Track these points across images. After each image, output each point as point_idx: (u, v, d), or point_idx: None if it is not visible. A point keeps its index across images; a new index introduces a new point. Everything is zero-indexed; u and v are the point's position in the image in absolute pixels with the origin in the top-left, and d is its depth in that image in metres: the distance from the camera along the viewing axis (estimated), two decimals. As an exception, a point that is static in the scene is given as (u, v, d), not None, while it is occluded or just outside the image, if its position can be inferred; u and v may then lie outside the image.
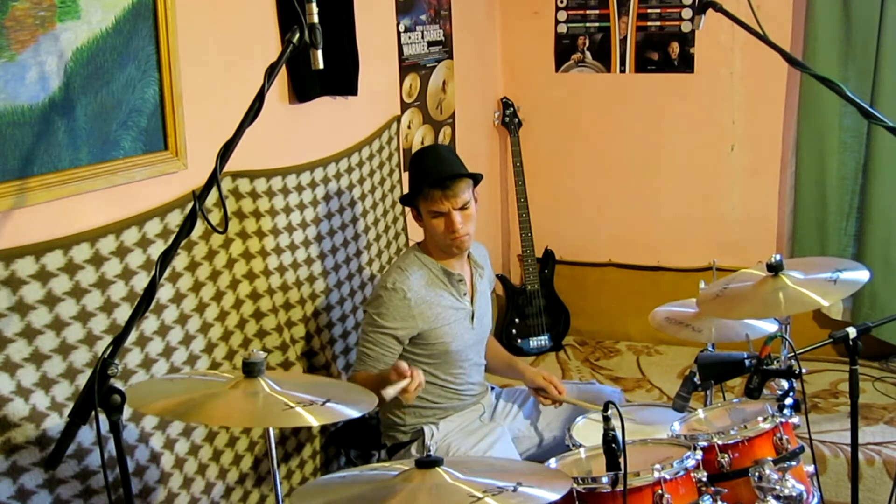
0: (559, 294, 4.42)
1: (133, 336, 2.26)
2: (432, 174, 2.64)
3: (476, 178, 2.71)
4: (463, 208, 2.64)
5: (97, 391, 1.63)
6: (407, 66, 3.70)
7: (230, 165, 2.07)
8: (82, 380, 2.13)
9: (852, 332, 2.21)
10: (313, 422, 1.77)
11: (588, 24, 4.37)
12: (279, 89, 2.92)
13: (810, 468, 2.29)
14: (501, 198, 4.65)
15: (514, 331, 4.30)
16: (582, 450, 2.25)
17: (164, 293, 2.43)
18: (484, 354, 2.93)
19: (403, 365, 2.37)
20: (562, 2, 4.41)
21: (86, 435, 2.08)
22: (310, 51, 1.88)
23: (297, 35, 1.85)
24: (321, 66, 1.90)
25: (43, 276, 2.08)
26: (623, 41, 4.32)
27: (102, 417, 1.64)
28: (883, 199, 3.86)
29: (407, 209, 3.66)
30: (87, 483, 2.11)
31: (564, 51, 4.45)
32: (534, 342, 4.30)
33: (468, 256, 2.83)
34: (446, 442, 2.67)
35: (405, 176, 3.68)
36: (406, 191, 3.65)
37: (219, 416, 1.83)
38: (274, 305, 2.80)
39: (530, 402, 2.92)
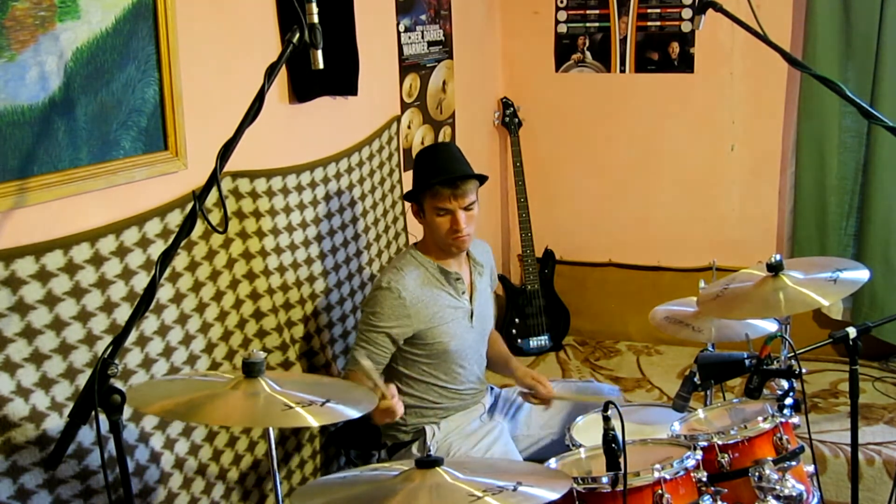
0: (559, 294, 4.42)
1: (133, 336, 2.26)
2: (443, 172, 2.65)
3: (483, 180, 2.74)
4: (468, 208, 2.66)
5: (97, 391, 1.63)
6: (407, 66, 3.70)
7: (230, 165, 2.07)
8: (82, 380, 2.13)
9: (852, 332, 2.21)
10: (313, 422, 1.77)
11: (588, 24, 4.37)
12: (279, 89, 2.92)
13: (810, 468, 2.29)
14: (501, 198, 4.65)
15: (514, 331, 4.30)
16: (582, 450, 2.25)
17: (164, 293, 2.43)
18: (485, 352, 2.93)
19: (393, 389, 2.40)
20: (562, 2, 4.40)
21: (86, 435, 2.08)
22: (310, 51, 1.88)
23: (297, 35, 1.85)
24: (321, 66, 1.91)
25: (43, 276, 2.08)
26: (623, 41, 4.32)
27: (102, 417, 1.64)
28: (883, 199, 3.86)
29: (407, 206, 3.67)
30: (87, 483, 2.11)
31: (564, 51, 4.45)
32: (534, 342, 4.30)
33: (467, 255, 2.83)
34: (447, 442, 2.67)
35: (405, 176, 3.68)
36: (405, 191, 3.66)
37: (219, 416, 1.83)
38: (274, 305, 2.80)
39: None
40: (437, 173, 2.65)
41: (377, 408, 2.32)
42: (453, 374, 2.77)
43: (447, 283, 2.74)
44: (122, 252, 2.29)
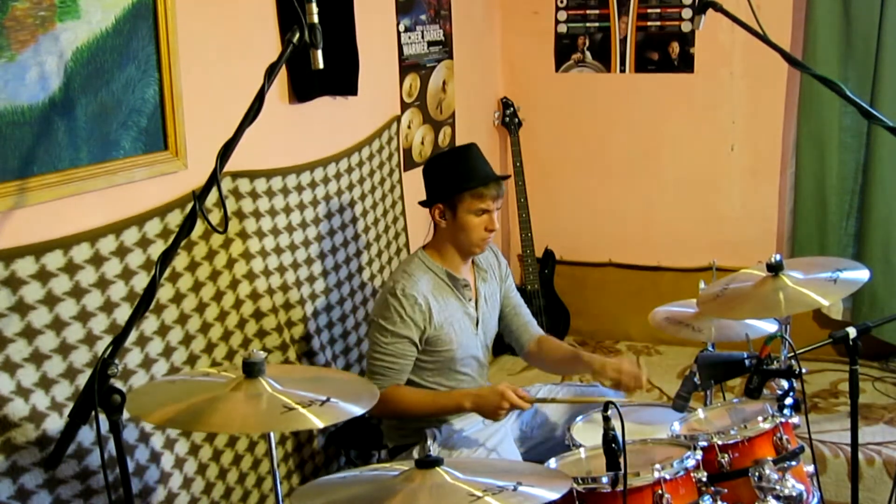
0: (559, 294, 4.42)
1: (133, 336, 2.26)
2: (481, 173, 2.67)
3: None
4: (499, 208, 2.70)
5: (97, 391, 1.63)
6: (407, 66, 3.70)
7: (230, 165, 2.07)
8: (82, 380, 2.13)
9: (852, 332, 2.21)
10: (317, 423, 1.74)
11: (588, 24, 4.37)
12: (279, 89, 2.92)
13: (810, 468, 2.29)
14: (501, 198, 4.65)
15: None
16: (582, 450, 2.25)
17: (164, 293, 2.43)
18: (488, 360, 2.91)
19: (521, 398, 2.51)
20: (562, 2, 4.40)
21: (86, 435, 2.08)
22: (310, 51, 1.88)
23: (297, 35, 1.84)
24: (321, 66, 1.90)
25: (43, 276, 2.08)
26: (623, 41, 4.32)
27: (102, 417, 1.64)
28: (883, 199, 3.86)
29: (408, 206, 3.67)
30: (87, 483, 2.11)
31: (564, 51, 4.45)
32: (534, 342, 4.29)
33: (472, 261, 2.82)
34: (449, 444, 2.66)
35: (405, 176, 3.68)
36: (406, 191, 3.66)
37: (220, 423, 1.79)
38: (274, 305, 2.80)
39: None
40: (476, 174, 2.65)
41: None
42: (456, 381, 2.75)
43: (455, 289, 2.72)
44: (122, 252, 2.29)
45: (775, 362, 2.26)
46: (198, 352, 2.54)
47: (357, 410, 1.81)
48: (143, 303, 1.72)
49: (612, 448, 1.95)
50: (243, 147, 1.83)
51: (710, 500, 2.04)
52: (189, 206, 2.13)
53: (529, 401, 2.53)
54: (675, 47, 4.24)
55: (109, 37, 2.22)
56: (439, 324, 2.65)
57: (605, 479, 1.96)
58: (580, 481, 1.98)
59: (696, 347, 3.17)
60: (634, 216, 4.46)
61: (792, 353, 2.25)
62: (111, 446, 2.05)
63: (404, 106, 3.70)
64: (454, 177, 2.68)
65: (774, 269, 2.41)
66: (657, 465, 1.98)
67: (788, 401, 2.28)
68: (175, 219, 2.45)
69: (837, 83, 2.26)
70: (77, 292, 2.16)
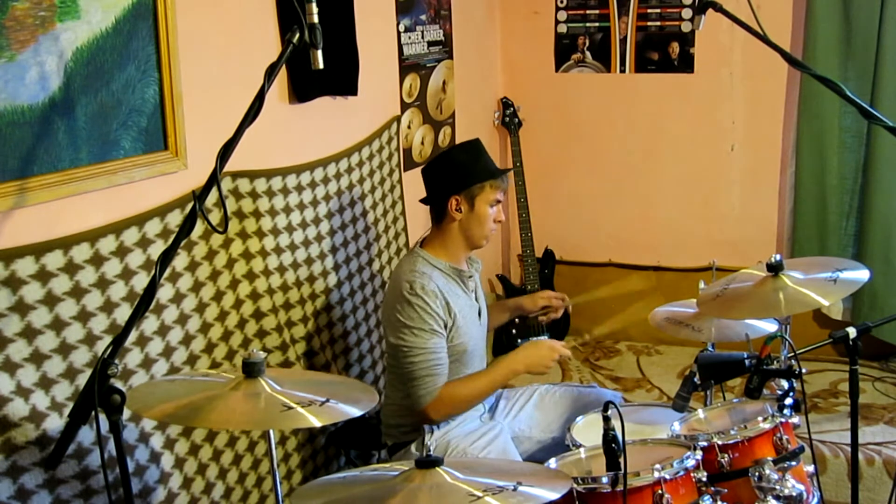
0: (559, 294, 4.41)
1: (133, 336, 2.26)
2: (492, 165, 2.74)
3: None
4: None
5: (97, 391, 1.63)
6: (407, 66, 3.70)
7: (230, 165, 2.07)
8: (82, 380, 2.13)
9: (852, 332, 2.21)
10: (315, 422, 1.76)
11: (588, 24, 4.37)
12: (279, 89, 2.92)
13: (810, 468, 2.29)
14: (501, 198, 4.65)
15: (513, 330, 4.29)
16: (582, 450, 2.25)
17: (164, 293, 2.43)
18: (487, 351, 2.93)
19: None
20: (562, 2, 4.41)
21: (86, 435, 2.08)
22: (310, 51, 1.88)
23: (297, 35, 1.85)
24: (321, 66, 1.91)
25: (43, 276, 2.08)
26: (623, 41, 4.32)
27: (102, 417, 1.64)
28: (883, 199, 3.86)
29: (408, 204, 3.67)
30: (87, 483, 2.11)
31: (564, 51, 4.45)
32: (534, 342, 4.28)
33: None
34: (445, 440, 2.66)
35: (405, 176, 3.68)
36: (405, 191, 3.66)
37: (219, 419, 1.80)
38: (274, 305, 2.80)
39: (531, 402, 2.91)
40: (492, 166, 2.73)
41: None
42: (458, 375, 2.75)
43: (461, 282, 2.73)
44: (122, 252, 2.29)
45: (775, 362, 2.25)
46: (198, 352, 2.54)
47: (355, 412, 1.82)
48: (143, 303, 1.72)
49: (612, 448, 1.95)
50: (243, 147, 1.83)
51: (710, 500, 2.04)
52: (189, 206, 2.13)
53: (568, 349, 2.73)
54: (675, 47, 4.24)
55: (109, 37, 2.22)
56: (454, 316, 2.65)
57: (605, 479, 1.96)
58: (580, 481, 1.98)
59: (696, 347, 3.17)
60: (634, 216, 4.46)
61: (792, 353, 2.25)
62: (111, 446, 2.05)
63: (404, 106, 3.70)
64: (474, 168, 2.71)
65: (774, 269, 2.41)
66: (657, 465, 1.98)
67: (788, 401, 2.28)
68: (175, 219, 2.45)
69: (837, 83, 2.26)
70: (77, 292, 2.16)
